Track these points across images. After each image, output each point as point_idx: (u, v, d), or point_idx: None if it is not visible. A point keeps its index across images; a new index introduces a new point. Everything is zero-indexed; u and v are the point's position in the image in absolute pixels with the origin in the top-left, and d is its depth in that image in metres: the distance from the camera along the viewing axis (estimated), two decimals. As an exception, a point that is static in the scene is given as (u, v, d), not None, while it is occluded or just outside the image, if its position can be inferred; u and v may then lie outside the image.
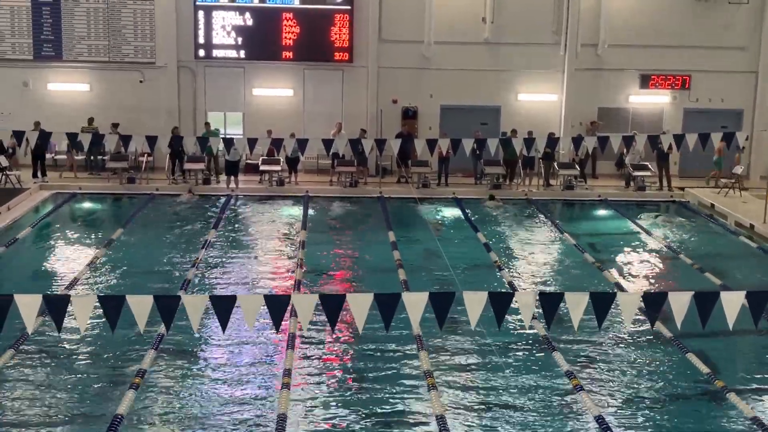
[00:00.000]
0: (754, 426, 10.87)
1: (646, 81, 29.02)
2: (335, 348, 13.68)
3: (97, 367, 12.68)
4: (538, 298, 9.84)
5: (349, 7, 28.11)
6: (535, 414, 11.34)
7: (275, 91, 28.85)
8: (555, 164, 26.84)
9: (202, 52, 28.24)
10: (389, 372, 12.61)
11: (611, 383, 12.45)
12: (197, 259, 18.04)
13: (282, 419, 10.57)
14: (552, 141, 21.38)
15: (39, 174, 25.96)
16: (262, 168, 26.24)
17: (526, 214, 24.14)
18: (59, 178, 26.17)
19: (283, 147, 19.51)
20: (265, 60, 28.45)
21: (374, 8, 28.20)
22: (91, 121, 27.10)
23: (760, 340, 14.34)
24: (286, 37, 28.10)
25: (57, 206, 23.37)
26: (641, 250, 20.57)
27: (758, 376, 13.06)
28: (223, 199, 24.74)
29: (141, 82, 28.42)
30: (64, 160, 27.40)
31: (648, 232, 21.75)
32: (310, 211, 23.28)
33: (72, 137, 18.72)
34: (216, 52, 28.24)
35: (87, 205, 24.47)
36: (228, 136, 26.37)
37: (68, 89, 28.39)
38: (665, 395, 12.14)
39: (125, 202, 24.71)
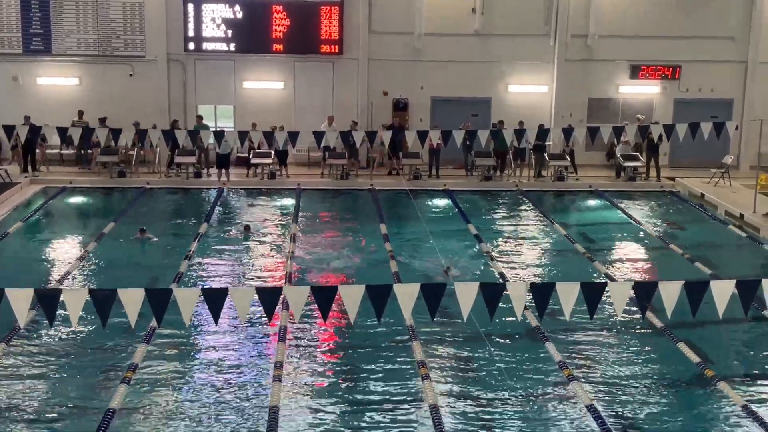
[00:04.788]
0: (745, 414, 10.94)
1: (635, 71, 29.05)
2: (327, 340, 13.70)
3: (89, 361, 12.67)
4: (529, 288, 9.87)
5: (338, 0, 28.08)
6: (527, 404, 11.38)
7: (266, 83, 28.79)
8: (546, 155, 26.88)
9: (192, 45, 28.16)
10: (382, 363, 12.63)
11: (603, 373, 12.50)
12: (189, 252, 18.03)
13: (274, 411, 10.59)
14: (542, 132, 21.37)
15: (29, 168, 25.86)
16: (253, 161, 26.20)
17: (517, 205, 24.19)
18: (48, 172, 26.16)
19: (274, 139, 19.47)
20: (255, 53, 28.40)
21: (364, 0, 28.16)
22: (81, 114, 27.01)
23: (749, 328, 14.41)
24: (276, 30, 28.05)
25: (47, 200, 23.30)
26: (632, 240, 20.64)
27: (748, 364, 13.14)
28: (214, 193, 24.71)
29: (131, 75, 28.34)
30: (54, 154, 27.34)
31: (638, 223, 21.81)
32: (302, 204, 23.28)
33: (62, 132, 18.65)
34: (206, 45, 28.17)
35: (77, 199, 24.39)
36: (219, 129, 26.34)
37: (58, 83, 28.30)
38: (656, 384, 12.19)
39: (116, 196, 24.65)
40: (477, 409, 11.21)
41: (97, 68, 28.30)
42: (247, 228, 20.13)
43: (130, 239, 19.30)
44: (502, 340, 13.43)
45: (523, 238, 20.47)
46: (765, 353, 13.67)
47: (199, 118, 27.23)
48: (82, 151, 27.14)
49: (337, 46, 28.34)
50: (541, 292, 9.83)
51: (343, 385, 11.96)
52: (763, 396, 11.79)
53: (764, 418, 10.73)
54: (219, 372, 12.35)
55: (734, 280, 9.80)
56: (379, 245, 19.00)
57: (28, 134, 19.00)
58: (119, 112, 27.05)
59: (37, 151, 26.45)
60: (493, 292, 9.69)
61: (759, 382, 12.35)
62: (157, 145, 25.09)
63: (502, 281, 15.86)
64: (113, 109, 27.18)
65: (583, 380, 11.93)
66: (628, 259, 19.02)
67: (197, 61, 28.52)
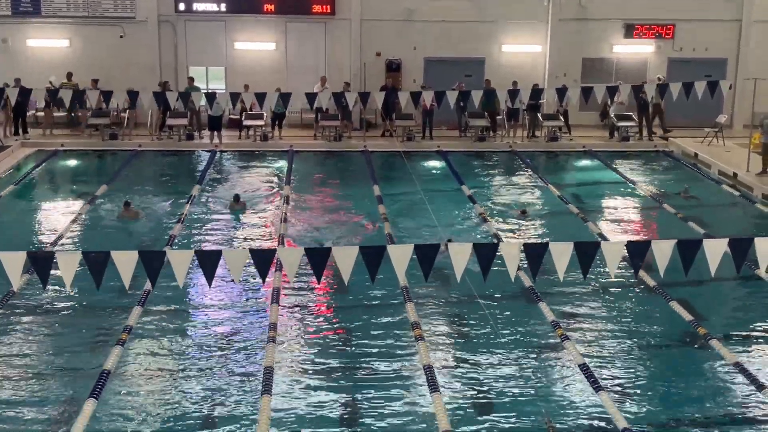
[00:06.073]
0: (737, 371, 11.02)
1: (630, 30, 28.86)
2: (321, 301, 13.73)
3: (83, 323, 12.69)
4: (522, 248, 9.87)
5: (330, -42, 27.78)
6: (520, 363, 11.44)
7: (257, 44, 28.54)
8: (539, 115, 26.77)
9: (182, 6, 27.87)
10: (376, 324, 12.67)
11: (596, 332, 12.56)
12: (182, 214, 18.00)
13: (269, 372, 10.63)
14: (536, 92, 21.29)
15: (20, 131, 25.70)
16: (245, 123, 26.06)
17: (511, 166, 24.15)
18: (42, 135, 25.99)
19: (269, 101, 19.36)
20: (246, 13, 28.13)
21: (356, -41, 27.91)
22: (69, 76, 26.78)
23: (742, 286, 14.49)
24: (267, -11, 27.80)
25: (39, 163, 23.20)
26: (625, 200, 20.67)
27: (740, 322, 13.21)
28: (206, 155, 24.61)
29: (121, 37, 28.07)
30: (44, 117, 27.16)
31: (632, 182, 21.82)
32: (295, 166, 23.21)
33: (52, 94, 18.54)
34: (196, 6, 27.88)
35: (69, 162, 24.29)
36: (210, 91, 26.14)
37: (48, 45, 28.04)
38: (649, 343, 12.27)
39: (108, 158, 24.55)
40: (470, 368, 11.27)
41: (87, 30, 28.03)
42: (237, 198, 19.25)
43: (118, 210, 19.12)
44: (495, 301, 13.46)
45: (517, 199, 20.44)
46: (757, 311, 13.74)
47: (191, 79, 27.02)
48: (72, 114, 26.96)
49: (329, 6, 28.07)
50: (535, 252, 9.85)
51: (337, 346, 12.00)
52: (755, 353, 11.87)
53: (756, 375, 10.82)
54: (213, 333, 12.38)
55: (727, 239, 9.82)
56: (372, 207, 18.98)
57: (18, 97, 18.86)
58: (110, 73, 26.89)
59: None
60: (486, 253, 9.70)
61: (751, 339, 12.42)
62: (149, 107, 25.01)
63: (495, 242, 15.87)
64: (104, 71, 26.99)
65: (575, 339, 11.99)
66: (622, 219, 19.05)
67: (188, 22, 28.26)
